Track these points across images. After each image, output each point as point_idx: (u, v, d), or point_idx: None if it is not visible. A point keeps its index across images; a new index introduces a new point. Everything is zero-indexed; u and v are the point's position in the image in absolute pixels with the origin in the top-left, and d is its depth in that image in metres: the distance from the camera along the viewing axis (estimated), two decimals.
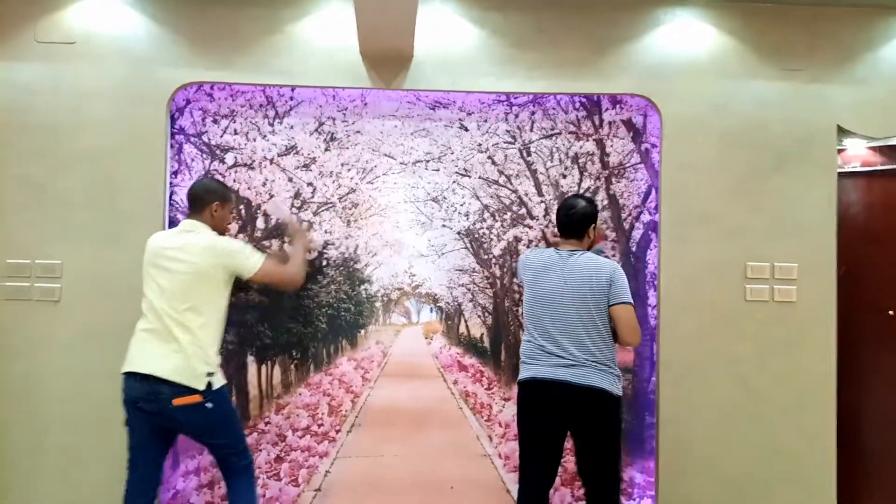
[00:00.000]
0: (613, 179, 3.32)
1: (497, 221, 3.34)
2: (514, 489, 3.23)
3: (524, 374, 2.66)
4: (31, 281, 3.03)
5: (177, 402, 2.44)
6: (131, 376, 2.52)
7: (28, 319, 3.03)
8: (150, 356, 2.49)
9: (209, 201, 2.63)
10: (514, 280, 3.34)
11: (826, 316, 3.23)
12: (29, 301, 3.03)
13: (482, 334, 3.37)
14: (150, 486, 2.59)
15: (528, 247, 3.33)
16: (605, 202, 3.31)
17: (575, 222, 2.70)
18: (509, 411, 3.31)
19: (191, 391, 2.45)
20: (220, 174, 3.21)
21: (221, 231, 2.68)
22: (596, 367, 2.56)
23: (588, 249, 2.72)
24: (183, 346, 2.47)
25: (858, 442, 3.43)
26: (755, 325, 3.22)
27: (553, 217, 3.33)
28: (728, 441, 3.19)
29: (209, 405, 2.48)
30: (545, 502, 2.67)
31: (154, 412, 2.48)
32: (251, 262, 2.58)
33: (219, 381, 2.54)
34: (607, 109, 3.32)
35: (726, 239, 3.22)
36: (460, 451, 3.27)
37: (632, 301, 2.60)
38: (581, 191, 3.31)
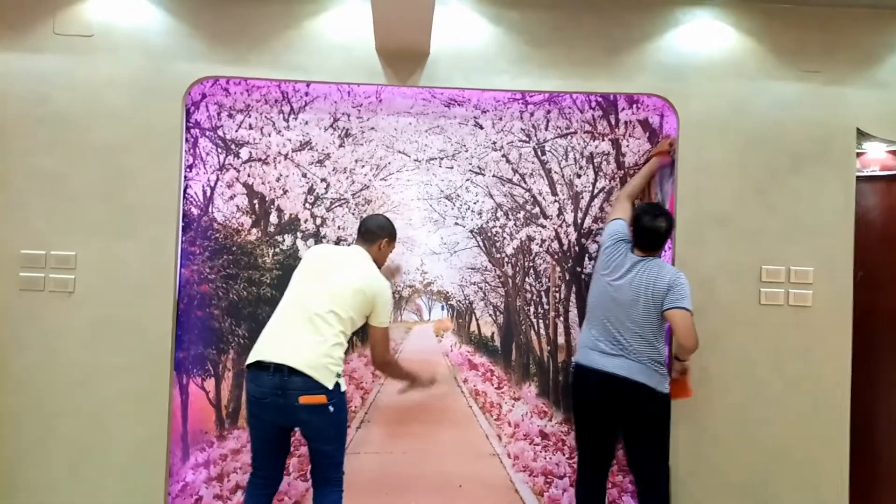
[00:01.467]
0: (629, 180, 3.29)
1: (510, 220, 3.33)
2: (522, 489, 3.24)
3: (577, 357, 2.95)
4: (45, 272, 3.05)
5: (303, 399, 2.49)
6: (261, 368, 2.55)
7: (42, 310, 3.04)
8: (288, 347, 2.55)
9: (380, 237, 2.82)
10: (527, 279, 3.33)
11: (842, 321, 3.19)
12: (42, 292, 3.05)
13: (493, 333, 3.36)
14: (271, 490, 2.70)
15: (540, 246, 3.32)
16: None
17: (660, 238, 2.89)
18: (519, 411, 3.29)
19: (320, 388, 2.51)
20: (235, 168, 3.22)
21: (380, 263, 2.84)
22: (642, 362, 2.76)
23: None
24: (325, 339, 2.54)
25: (872, 448, 3.39)
26: (769, 329, 3.19)
27: (567, 217, 3.32)
28: (741, 445, 3.16)
29: (331, 408, 2.54)
30: (602, 485, 2.91)
31: (279, 408, 2.52)
32: (384, 318, 2.72)
33: (343, 384, 2.61)
34: (623, 109, 3.30)
35: (741, 241, 3.19)
36: (469, 449, 3.26)
37: (689, 307, 2.75)
38: (595, 191, 3.30)
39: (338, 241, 3.28)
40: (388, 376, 3.03)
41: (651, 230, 2.86)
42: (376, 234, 2.81)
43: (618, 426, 2.87)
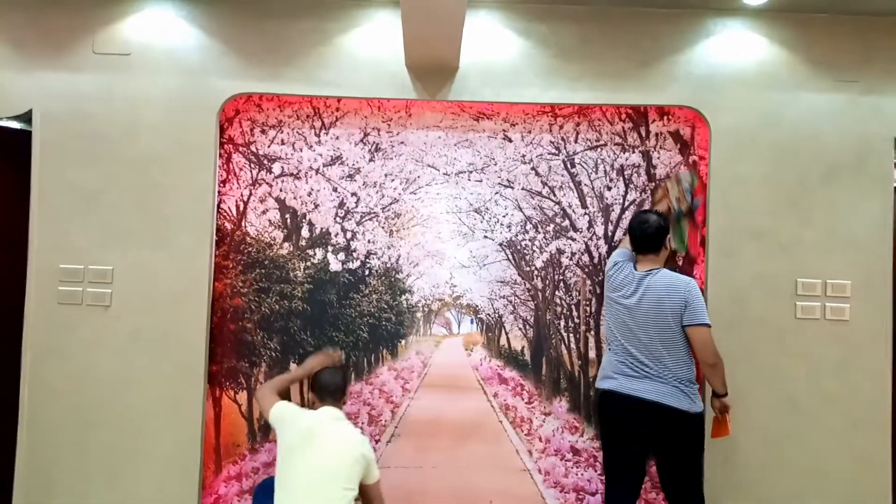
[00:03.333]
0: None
1: (539, 233, 3.32)
2: None
3: (603, 384, 2.79)
4: (83, 286, 3.12)
5: None
6: None
7: (79, 323, 3.11)
8: None
9: (344, 392, 2.73)
10: (557, 293, 3.31)
11: (881, 335, 3.12)
12: (80, 305, 3.11)
13: (523, 347, 3.34)
14: None
15: (570, 259, 3.30)
16: None
17: (650, 235, 2.76)
18: (549, 426, 3.27)
19: None
20: (267, 183, 3.26)
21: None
22: (672, 384, 2.65)
23: (665, 264, 2.81)
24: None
25: None
26: (806, 343, 3.13)
27: (597, 229, 3.30)
28: (776, 463, 3.09)
29: None
30: None
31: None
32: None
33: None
34: (654, 121, 3.28)
35: (776, 254, 3.14)
36: (499, 464, 3.24)
37: (707, 322, 2.66)
38: (626, 203, 3.27)
39: (368, 255, 3.30)
40: None
41: (640, 226, 2.76)
42: (343, 391, 2.70)
43: (648, 450, 2.75)
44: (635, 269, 2.78)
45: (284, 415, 2.60)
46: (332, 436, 2.53)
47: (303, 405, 2.86)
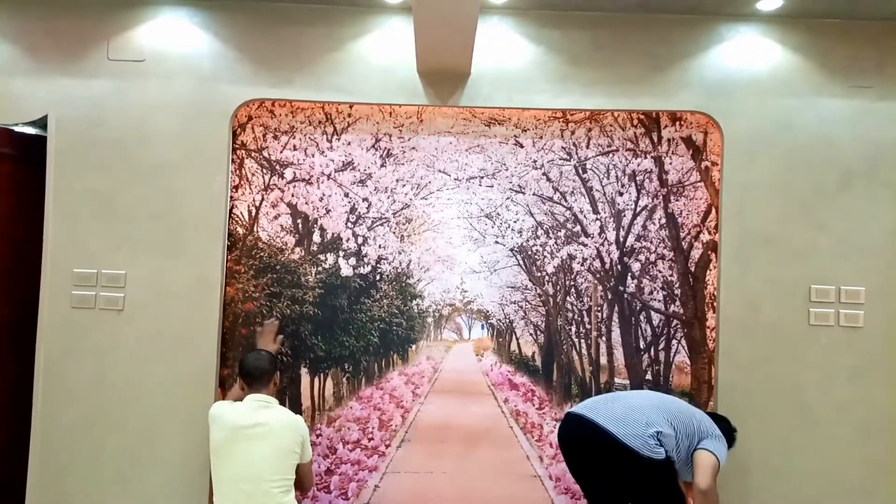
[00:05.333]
0: (672, 198, 3.26)
1: (551, 238, 3.32)
2: None
3: (571, 409, 2.75)
4: (96, 290, 3.14)
5: None
6: None
7: (93, 327, 3.13)
8: None
9: (271, 374, 2.73)
10: (568, 298, 3.31)
11: (895, 342, 3.09)
12: (94, 309, 3.14)
13: (534, 353, 3.34)
14: None
15: (582, 265, 3.30)
16: (663, 221, 3.26)
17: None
18: None
19: None
20: (279, 188, 3.27)
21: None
22: (638, 433, 2.54)
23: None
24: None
25: None
26: (819, 350, 3.11)
27: (609, 235, 3.29)
28: (787, 471, 3.08)
29: None
30: None
31: None
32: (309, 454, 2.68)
33: None
34: (666, 126, 3.27)
35: (789, 260, 3.12)
36: (510, 470, 3.24)
37: (721, 461, 2.58)
38: (638, 209, 3.26)
39: (379, 260, 3.30)
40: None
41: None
42: (270, 373, 2.69)
43: (608, 473, 2.63)
44: None
45: (213, 414, 2.62)
46: (260, 428, 2.52)
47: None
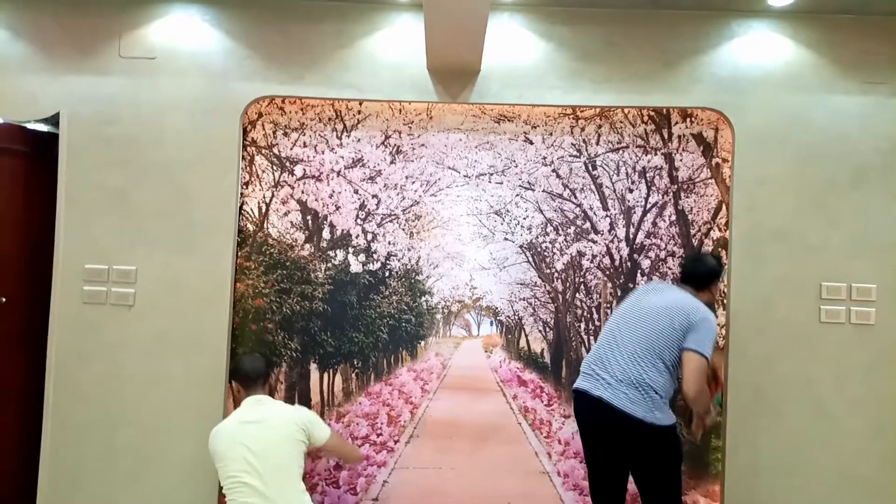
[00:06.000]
0: (682, 194, 3.24)
1: (560, 235, 3.31)
2: None
3: (577, 384, 2.75)
4: (107, 286, 3.16)
5: None
6: None
7: (104, 323, 3.15)
8: None
9: (267, 376, 2.83)
10: (577, 295, 3.30)
11: None
12: (105, 305, 3.16)
13: (543, 349, 3.34)
14: None
15: (591, 262, 3.29)
16: (674, 217, 3.25)
17: (698, 273, 2.76)
18: (569, 428, 3.26)
19: None
20: (289, 185, 3.28)
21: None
22: (635, 390, 2.55)
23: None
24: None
25: None
26: (830, 347, 3.10)
27: (619, 232, 3.28)
28: (799, 468, 3.06)
29: None
30: None
31: None
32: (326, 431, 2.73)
33: None
34: (677, 123, 3.26)
35: (800, 257, 3.11)
36: (518, 466, 3.24)
37: (704, 351, 2.53)
38: (648, 205, 3.25)
39: (388, 257, 3.31)
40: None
41: (693, 263, 2.81)
42: (266, 375, 2.78)
43: (619, 453, 2.65)
44: (662, 280, 2.79)
45: (212, 436, 2.63)
46: (260, 423, 2.57)
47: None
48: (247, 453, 2.50)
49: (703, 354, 2.53)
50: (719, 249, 3.20)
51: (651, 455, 2.60)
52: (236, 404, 2.74)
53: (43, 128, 3.32)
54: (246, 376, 2.71)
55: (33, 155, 3.28)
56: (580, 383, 2.71)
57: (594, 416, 2.64)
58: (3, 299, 3.18)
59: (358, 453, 2.97)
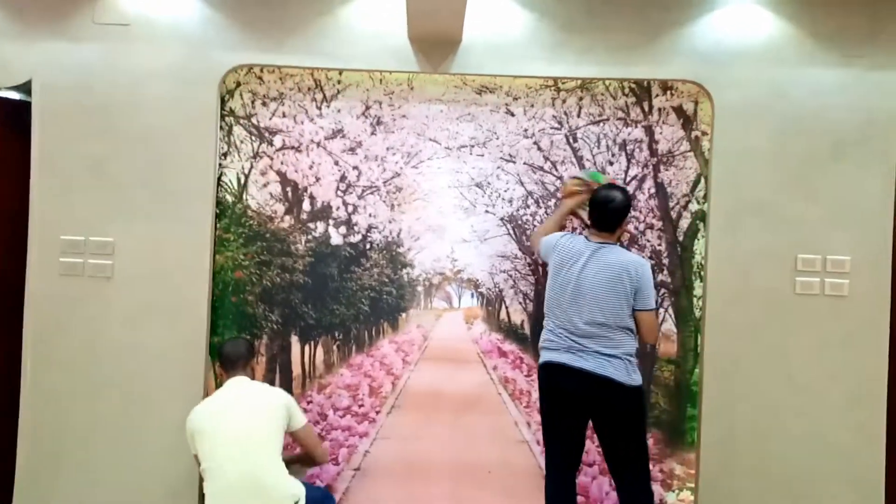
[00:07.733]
0: (662, 167, 3.26)
1: (541, 208, 3.32)
2: None
3: (543, 358, 2.80)
4: (84, 258, 3.12)
5: None
6: None
7: (82, 295, 3.12)
8: None
9: (249, 359, 2.83)
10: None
11: (879, 312, 3.13)
12: (82, 277, 3.12)
13: (523, 321, 3.36)
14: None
15: (572, 234, 3.30)
16: (653, 190, 3.26)
17: (612, 216, 2.77)
18: None
19: None
20: (268, 156, 3.25)
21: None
22: (612, 357, 2.66)
23: (617, 241, 2.84)
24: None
25: None
26: (805, 319, 3.15)
27: None
28: (774, 437, 3.13)
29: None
30: (572, 484, 2.79)
31: None
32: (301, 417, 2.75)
33: None
34: (657, 95, 3.26)
35: (777, 229, 3.14)
36: (498, 436, 3.28)
37: (654, 306, 2.75)
38: (628, 178, 3.27)
39: (369, 229, 3.30)
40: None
41: (609, 200, 2.75)
42: (247, 358, 2.80)
43: (586, 422, 2.77)
44: (588, 239, 2.79)
45: (190, 417, 2.64)
46: (241, 401, 2.60)
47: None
48: (227, 432, 2.52)
49: (652, 309, 2.74)
50: (697, 222, 3.23)
51: (631, 418, 2.71)
52: (219, 387, 2.75)
53: (15, 95, 3.24)
54: (227, 359, 2.75)
55: (5, 123, 3.21)
56: (556, 356, 2.73)
57: (578, 387, 2.68)
58: None
59: (325, 453, 2.96)
